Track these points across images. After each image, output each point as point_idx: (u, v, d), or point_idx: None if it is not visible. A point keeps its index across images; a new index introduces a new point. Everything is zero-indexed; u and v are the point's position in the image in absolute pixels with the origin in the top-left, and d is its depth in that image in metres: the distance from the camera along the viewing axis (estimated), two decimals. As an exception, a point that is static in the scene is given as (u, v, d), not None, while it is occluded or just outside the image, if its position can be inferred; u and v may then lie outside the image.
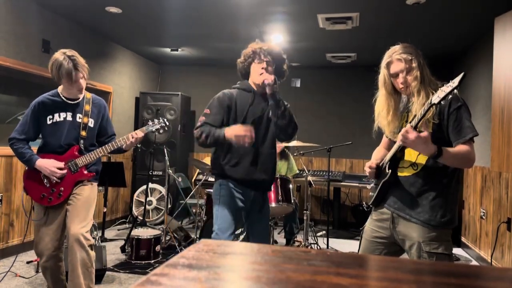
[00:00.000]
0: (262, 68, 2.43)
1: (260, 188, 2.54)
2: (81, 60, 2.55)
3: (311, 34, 4.84)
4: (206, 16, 4.38)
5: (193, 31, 5.01)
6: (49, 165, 2.51)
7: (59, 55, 2.50)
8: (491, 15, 3.24)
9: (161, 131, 2.84)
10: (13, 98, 4.47)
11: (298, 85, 6.37)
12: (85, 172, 2.60)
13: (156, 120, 2.80)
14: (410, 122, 1.80)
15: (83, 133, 2.59)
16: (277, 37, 5.01)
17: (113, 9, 4.27)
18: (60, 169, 2.53)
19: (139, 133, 2.64)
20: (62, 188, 2.54)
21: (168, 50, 5.98)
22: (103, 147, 2.60)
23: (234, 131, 2.29)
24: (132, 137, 2.61)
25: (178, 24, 4.77)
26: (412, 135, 1.71)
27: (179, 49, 5.91)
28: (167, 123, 2.83)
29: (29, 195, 2.57)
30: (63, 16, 4.61)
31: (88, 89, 5.38)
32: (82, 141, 2.59)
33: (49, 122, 2.56)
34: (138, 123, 6.19)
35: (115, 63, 5.77)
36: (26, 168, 2.60)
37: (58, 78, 2.51)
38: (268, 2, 3.92)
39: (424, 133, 1.71)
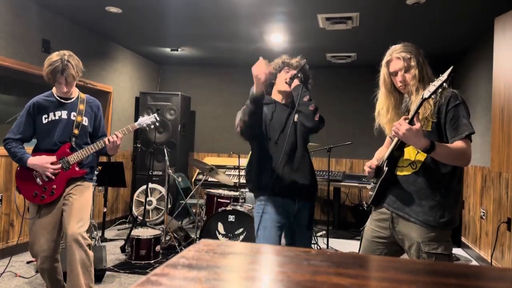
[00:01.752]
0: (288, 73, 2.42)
1: (303, 196, 2.38)
2: (72, 64, 2.52)
3: (311, 34, 4.84)
4: (206, 16, 4.38)
5: (193, 31, 5.01)
6: (41, 162, 2.52)
7: (55, 55, 2.53)
8: (491, 15, 3.24)
9: (152, 126, 2.83)
10: (13, 98, 4.47)
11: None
12: (77, 169, 2.61)
13: (146, 116, 2.82)
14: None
15: (76, 131, 2.61)
16: (277, 37, 5.01)
17: (113, 9, 4.27)
18: (53, 163, 2.53)
19: (119, 134, 2.62)
20: (55, 186, 2.55)
21: (168, 50, 5.98)
22: (93, 144, 2.62)
23: (254, 72, 2.15)
24: (108, 141, 2.58)
25: (178, 24, 4.77)
26: (404, 127, 1.73)
27: (179, 49, 5.91)
28: (158, 118, 2.84)
29: (22, 194, 2.57)
30: (63, 16, 4.61)
31: (88, 89, 5.37)
32: (74, 139, 2.61)
33: (44, 121, 2.57)
34: (138, 123, 6.18)
35: (115, 63, 5.77)
36: (18, 167, 2.60)
37: (49, 79, 2.54)
38: (268, 2, 3.92)
39: (416, 126, 1.73)
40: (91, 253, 2.53)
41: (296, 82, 2.36)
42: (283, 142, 2.33)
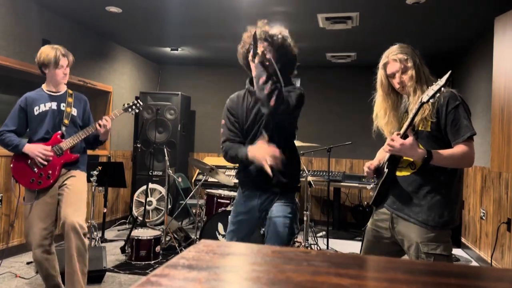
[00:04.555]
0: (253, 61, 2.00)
1: (267, 190, 2.17)
2: (67, 50, 2.79)
3: (311, 34, 4.84)
4: (206, 16, 4.38)
5: (193, 30, 5.01)
6: (37, 147, 2.66)
7: (46, 47, 2.74)
8: (491, 15, 3.24)
9: (136, 110, 3.04)
10: (13, 98, 4.47)
11: (298, 84, 6.36)
12: (70, 153, 2.75)
13: (130, 102, 3.04)
14: (400, 129, 1.86)
15: (66, 121, 2.77)
16: (277, 37, 5.00)
17: (113, 9, 4.27)
18: (46, 150, 2.67)
19: (108, 118, 2.79)
20: (50, 171, 2.69)
21: (168, 49, 5.98)
22: (83, 130, 2.78)
23: (255, 152, 2.02)
24: (98, 125, 2.74)
25: (178, 23, 4.77)
26: (397, 143, 1.77)
27: (179, 49, 5.91)
28: (141, 103, 3.06)
29: (19, 182, 2.70)
30: (63, 16, 4.61)
31: (88, 89, 5.36)
32: (64, 128, 2.76)
33: (36, 112, 2.72)
34: (138, 122, 6.19)
35: (115, 63, 5.77)
36: (13, 158, 2.71)
37: (47, 63, 2.69)
38: (268, 2, 3.92)
39: (409, 139, 1.75)
40: (86, 240, 2.68)
41: (256, 59, 1.95)
42: (248, 134, 2.19)
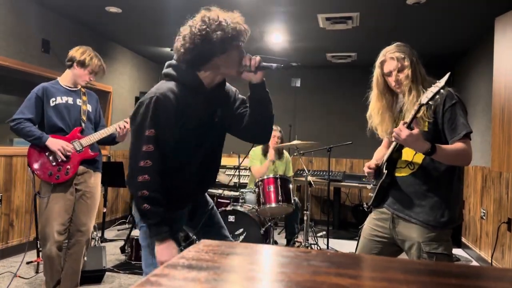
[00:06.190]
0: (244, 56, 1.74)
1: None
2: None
3: (311, 34, 4.84)
4: (206, 16, 4.38)
5: (193, 31, 5.00)
6: (60, 142, 2.62)
7: (93, 51, 2.79)
8: (491, 15, 3.24)
9: None
10: (13, 98, 4.47)
11: (298, 84, 6.37)
12: (90, 151, 2.75)
13: None
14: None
15: (84, 117, 2.77)
16: (277, 37, 5.00)
17: (113, 9, 4.27)
18: (68, 146, 2.66)
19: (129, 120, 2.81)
20: (69, 166, 2.66)
21: (168, 49, 5.98)
22: (104, 129, 2.79)
23: (162, 255, 1.67)
24: (119, 128, 2.74)
25: (178, 23, 4.74)
26: (404, 133, 1.74)
27: (179, 49, 5.90)
28: None
29: (36, 174, 2.63)
30: (63, 16, 4.61)
31: (88, 88, 5.38)
32: (83, 124, 2.75)
33: (52, 104, 2.68)
34: (138, 123, 6.18)
35: (115, 63, 5.77)
36: (30, 148, 2.65)
37: (86, 65, 2.72)
38: (268, 2, 3.92)
39: (415, 131, 1.74)
40: None
41: (260, 74, 1.72)
42: (205, 147, 1.77)
